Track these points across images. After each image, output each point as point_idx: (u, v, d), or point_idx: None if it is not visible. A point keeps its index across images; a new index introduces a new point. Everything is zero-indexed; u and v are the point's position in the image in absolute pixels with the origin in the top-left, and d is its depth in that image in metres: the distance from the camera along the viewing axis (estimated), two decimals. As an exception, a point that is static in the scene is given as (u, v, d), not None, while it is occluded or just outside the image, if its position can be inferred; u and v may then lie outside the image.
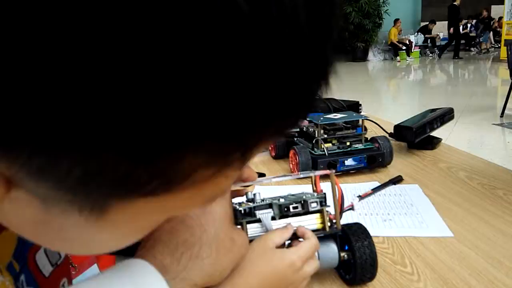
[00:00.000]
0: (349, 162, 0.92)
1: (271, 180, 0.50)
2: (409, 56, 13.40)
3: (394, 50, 13.53)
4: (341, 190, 0.52)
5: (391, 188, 0.85)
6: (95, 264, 0.73)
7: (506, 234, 0.65)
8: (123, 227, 0.23)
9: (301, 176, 0.53)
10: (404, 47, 13.39)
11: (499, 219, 0.69)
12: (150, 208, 0.21)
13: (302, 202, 0.50)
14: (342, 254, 0.52)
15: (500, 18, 13.54)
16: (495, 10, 15.22)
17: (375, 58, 13.74)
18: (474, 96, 6.69)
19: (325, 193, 0.52)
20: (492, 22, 15.25)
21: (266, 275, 0.43)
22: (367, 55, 13.60)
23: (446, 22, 13.98)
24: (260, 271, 0.43)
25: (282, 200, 0.50)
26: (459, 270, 0.56)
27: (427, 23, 14.29)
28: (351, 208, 0.55)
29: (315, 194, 0.52)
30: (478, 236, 0.65)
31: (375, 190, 0.84)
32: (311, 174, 0.53)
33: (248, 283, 0.42)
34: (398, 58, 13.31)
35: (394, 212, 0.74)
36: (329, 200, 0.51)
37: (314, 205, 0.50)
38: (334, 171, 0.51)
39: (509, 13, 11.43)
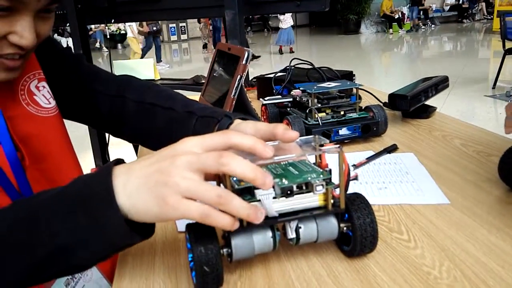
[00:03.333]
0: (344, 131, 0.91)
1: (273, 159, 0.47)
2: (401, 28, 13.29)
3: (388, 22, 13.40)
4: (348, 167, 0.50)
5: (386, 156, 0.84)
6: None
7: (503, 200, 0.64)
8: None
9: (304, 154, 0.50)
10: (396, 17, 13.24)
11: (495, 185, 0.68)
12: None
13: (307, 183, 0.48)
14: (342, 225, 0.51)
15: (493, -12, 13.42)
16: (488, -19, 15.07)
17: (367, 31, 13.63)
18: (467, 68, 6.68)
19: (330, 170, 0.50)
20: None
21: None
22: (359, 27, 13.49)
23: (439, -7, 13.82)
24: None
25: (284, 181, 0.47)
26: (456, 236, 0.55)
27: (420, -6, 14.13)
28: (355, 178, 0.53)
29: (320, 172, 0.50)
30: (474, 203, 0.64)
31: (369, 159, 0.82)
32: (318, 153, 0.51)
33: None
34: (390, 30, 13.21)
35: (390, 180, 0.73)
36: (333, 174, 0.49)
37: (319, 188, 0.47)
38: (342, 147, 0.48)
39: (502, -17, 11.33)
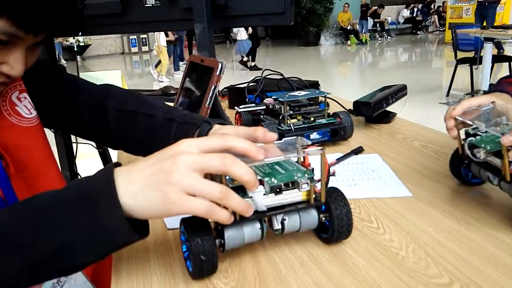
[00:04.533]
0: (314, 136, 0.98)
1: (264, 160, 0.52)
2: (358, 40, 13.70)
3: (345, 34, 13.80)
4: (328, 166, 0.56)
5: (354, 158, 0.91)
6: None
7: (457, 191, 0.73)
8: None
9: (292, 156, 0.54)
10: (352, 29, 13.62)
11: (452, 180, 0.76)
12: None
13: (293, 181, 0.54)
14: (321, 216, 0.57)
15: (444, 2, 14.10)
16: (439, -5, 15.80)
17: (327, 42, 13.97)
18: (422, 77, 6.97)
19: (313, 169, 0.56)
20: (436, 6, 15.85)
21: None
22: (319, 39, 13.81)
23: (395, 6, 14.36)
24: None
25: (274, 180, 0.53)
26: (420, 223, 0.63)
27: (376, 7, 14.63)
28: (333, 174, 0.60)
29: (304, 171, 0.55)
30: (434, 195, 0.72)
31: (339, 159, 0.89)
32: (302, 155, 0.56)
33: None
34: (348, 42, 13.58)
35: (358, 178, 0.80)
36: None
37: (305, 186, 0.53)
38: (324, 149, 0.54)
39: (453, -3, 11.91)
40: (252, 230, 0.55)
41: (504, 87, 0.80)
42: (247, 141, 0.51)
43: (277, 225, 0.56)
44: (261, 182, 0.52)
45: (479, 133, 0.66)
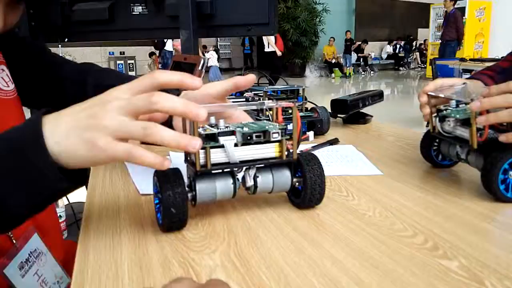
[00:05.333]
0: (291, 126, 0.99)
1: (236, 108, 0.53)
2: (342, 73, 13.99)
3: (329, 67, 14.09)
4: (301, 122, 0.57)
5: (329, 147, 0.93)
6: (35, 234, 0.73)
7: (429, 172, 0.75)
8: None
9: (265, 106, 0.57)
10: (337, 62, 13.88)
11: (423, 164, 0.78)
12: None
13: (265, 132, 0.55)
14: (295, 180, 0.58)
15: (425, 40, 14.57)
16: (421, 33, 16.34)
17: (312, 74, 14.21)
18: (404, 109, 7.12)
19: (286, 124, 0.57)
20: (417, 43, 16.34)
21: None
22: (304, 71, 14.05)
23: (378, 42, 14.77)
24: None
25: (245, 129, 0.54)
26: (389, 193, 0.64)
27: (360, 43, 15.01)
28: (307, 138, 0.61)
29: (276, 124, 0.56)
30: (405, 174, 0.74)
31: (314, 147, 0.91)
32: (275, 105, 0.58)
33: None
34: (332, 74, 13.86)
35: (332, 160, 0.82)
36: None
37: (275, 135, 0.54)
38: (296, 103, 0.56)
39: (433, 35, 12.32)
40: (224, 185, 0.55)
41: (477, 76, 0.84)
42: (178, 73, 0.47)
43: (250, 182, 0.56)
44: (233, 133, 0.53)
45: (449, 109, 0.68)
